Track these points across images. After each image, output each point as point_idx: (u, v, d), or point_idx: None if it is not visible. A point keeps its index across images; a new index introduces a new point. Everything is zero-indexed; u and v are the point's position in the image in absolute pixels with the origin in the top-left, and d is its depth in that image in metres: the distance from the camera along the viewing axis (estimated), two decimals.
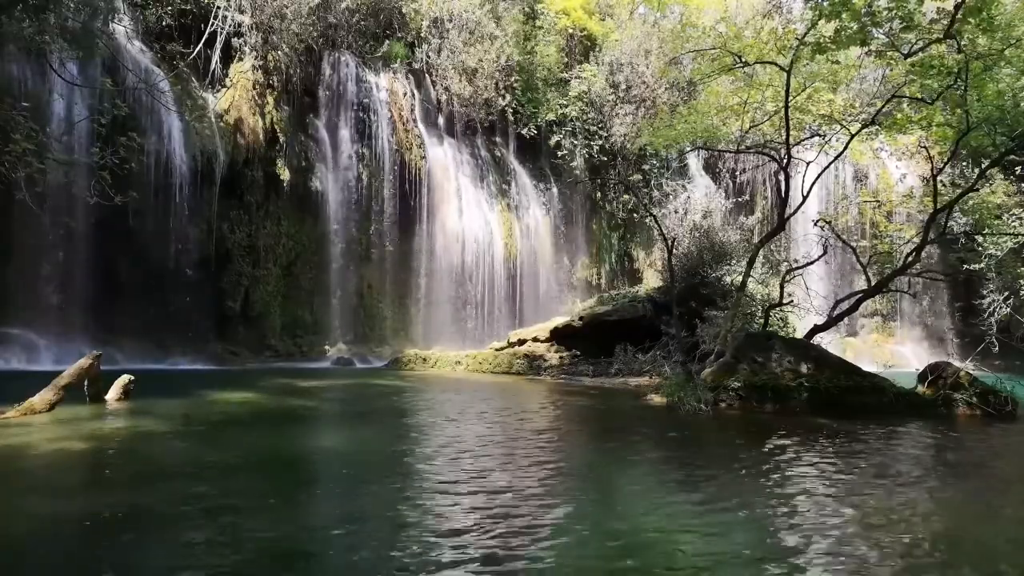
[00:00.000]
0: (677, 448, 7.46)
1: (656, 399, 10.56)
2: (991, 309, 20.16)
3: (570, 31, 26.67)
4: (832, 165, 14.83)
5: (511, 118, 24.99)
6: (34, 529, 3.97)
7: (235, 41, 19.28)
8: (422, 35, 23.54)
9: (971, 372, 10.64)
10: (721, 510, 4.56)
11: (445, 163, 23.18)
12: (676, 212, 20.57)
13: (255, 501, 4.63)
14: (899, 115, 12.74)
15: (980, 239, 18.33)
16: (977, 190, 14.24)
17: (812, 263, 14.29)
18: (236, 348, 18.27)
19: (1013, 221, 17.57)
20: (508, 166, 25.22)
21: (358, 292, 21.23)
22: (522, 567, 3.41)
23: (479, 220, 23.23)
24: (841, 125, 13.67)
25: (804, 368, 10.08)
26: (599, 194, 26.74)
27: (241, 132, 18.84)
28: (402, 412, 9.71)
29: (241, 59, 19.42)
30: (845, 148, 13.58)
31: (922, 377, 10.43)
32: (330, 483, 5.51)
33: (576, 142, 25.60)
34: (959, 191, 13.15)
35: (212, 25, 18.51)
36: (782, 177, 13.53)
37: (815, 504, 4.80)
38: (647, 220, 23.25)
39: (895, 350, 24.42)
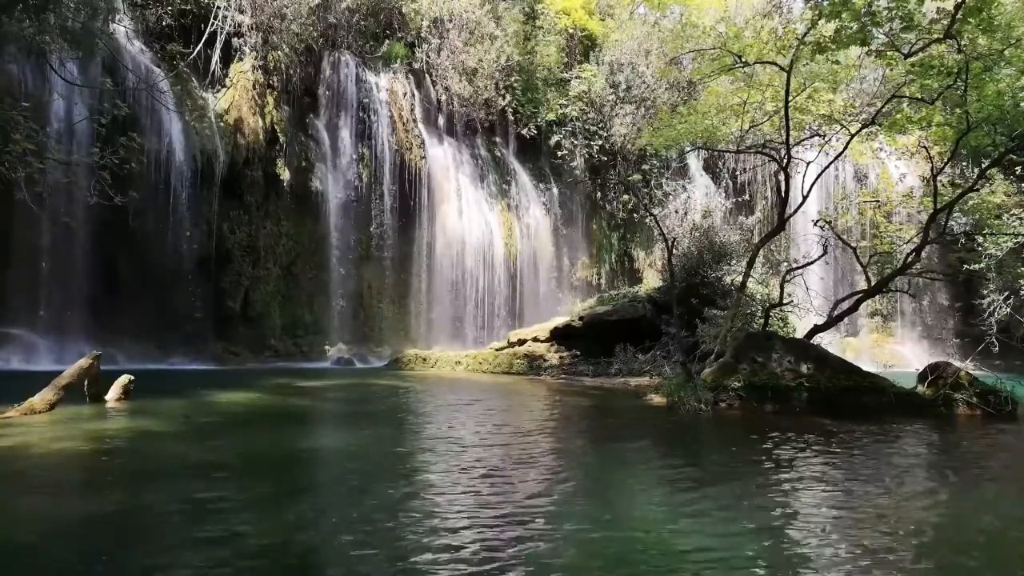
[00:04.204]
0: (677, 448, 7.46)
1: (656, 399, 10.56)
2: (991, 309, 20.13)
3: (570, 31, 26.66)
4: (832, 165, 14.82)
5: (511, 118, 24.99)
6: (33, 529, 3.96)
7: (235, 41, 19.29)
8: (422, 35, 23.55)
9: (971, 372, 10.62)
10: (721, 510, 4.56)
11: (445, 163, 23.19)
12: (676, 212, 20.59)
13: (255, 502, 4.63)
14: (899, 115, 12.71)
15: (980, 239, 18.30)
16: (977, 190, 14.21)
17: (812, 263, 14.26)
18: (236, 348, 18.29)
19: (1013, 221, 17.53)
20: (508, 166, 25.21)
21: (358, 292, 21.23)
22: (521, 567, 3.41)
23: (479, 220, 23.23)
24: (841, 125, 13.66)
25: (804, 368, 10.08)
26: (599, 194, 26.73)
27: (241, 132, 18.85)
28: (402, 413, 9.71)
29: (241, 59, 19.43)
30: (845, 148, 13.58)
31: (922, 377, 10.42)
32: (330, 484, 5.51)
33: (576, 142, 25.58)
34: (959, 191, 13.12)
35: (212, 25, 18.51)
36: (782, 177, 13.53)
37: (815, 505, 4.80)
38: (647, 220, 23.27)
39: (895, 350, 24.42)
